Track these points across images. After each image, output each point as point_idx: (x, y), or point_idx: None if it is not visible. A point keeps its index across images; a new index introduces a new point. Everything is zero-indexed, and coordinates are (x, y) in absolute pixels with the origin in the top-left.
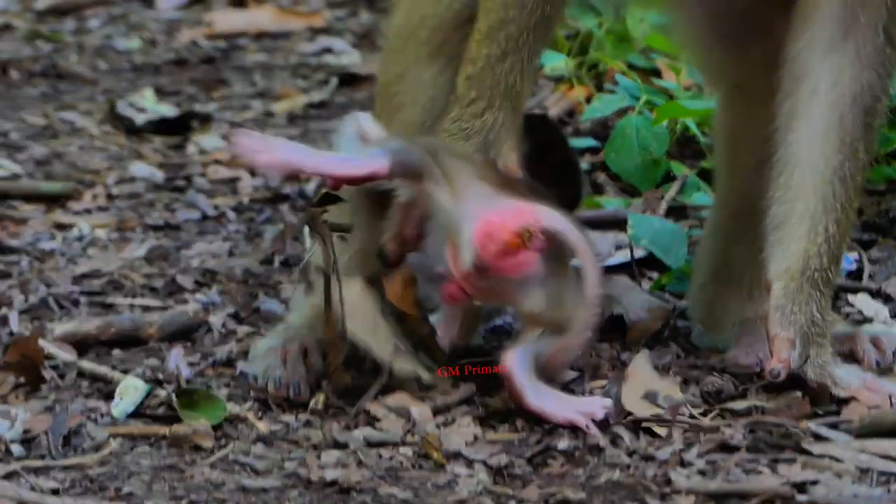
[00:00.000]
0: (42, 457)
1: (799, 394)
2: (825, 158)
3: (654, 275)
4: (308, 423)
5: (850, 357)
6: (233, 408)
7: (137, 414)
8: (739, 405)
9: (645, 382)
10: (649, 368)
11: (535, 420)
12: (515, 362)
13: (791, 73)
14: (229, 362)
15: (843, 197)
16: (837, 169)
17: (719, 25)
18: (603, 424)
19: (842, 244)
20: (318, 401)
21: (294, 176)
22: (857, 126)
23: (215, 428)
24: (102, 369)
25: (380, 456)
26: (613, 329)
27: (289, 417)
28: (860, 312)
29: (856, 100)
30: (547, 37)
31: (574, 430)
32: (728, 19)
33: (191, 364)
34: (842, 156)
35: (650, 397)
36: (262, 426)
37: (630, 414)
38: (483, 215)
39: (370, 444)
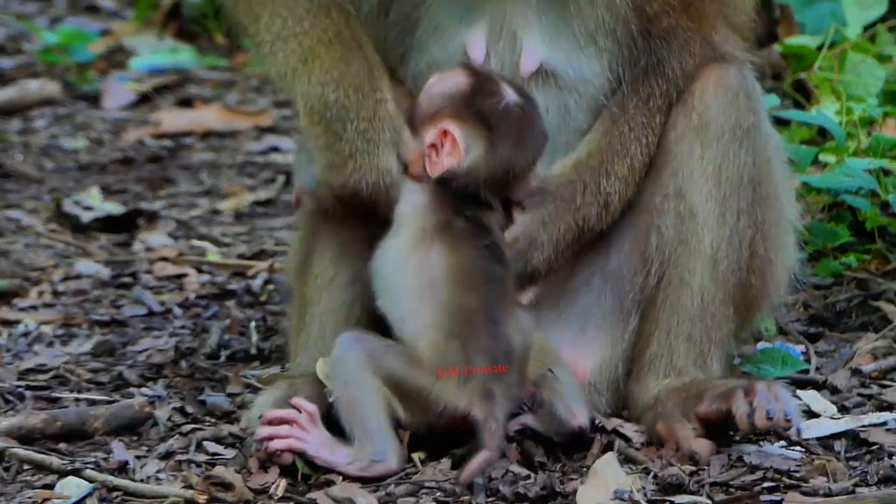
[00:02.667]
0: None
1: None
2: None
3: None
4: None
5: (727, 417)
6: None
7: None
8: (684, 498)
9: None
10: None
11: None
12: None
13: None
14: (171, 455)
15: None
16: None
17: None
18: None
19: None
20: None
21: None
22: None
23: None
24: (48, 461)
25: None
26: None
27: None
28: (808, 407)
29: None
30: None
31: None
32: None
33: (137, 458)
34: None
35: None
36: None
37: None
38: None
39: None
